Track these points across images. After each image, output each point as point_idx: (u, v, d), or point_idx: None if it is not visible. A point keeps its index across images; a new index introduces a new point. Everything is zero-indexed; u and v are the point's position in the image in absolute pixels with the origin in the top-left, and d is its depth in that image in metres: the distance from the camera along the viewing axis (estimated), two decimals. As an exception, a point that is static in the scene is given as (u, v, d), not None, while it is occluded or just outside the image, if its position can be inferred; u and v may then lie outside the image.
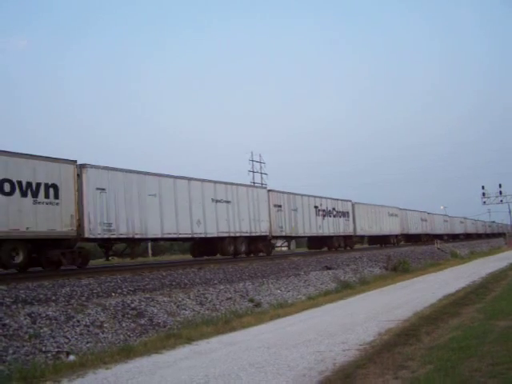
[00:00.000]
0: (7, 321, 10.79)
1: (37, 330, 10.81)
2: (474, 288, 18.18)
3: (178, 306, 14.82)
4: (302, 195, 34.27)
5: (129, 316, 13.13)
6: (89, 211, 18.18)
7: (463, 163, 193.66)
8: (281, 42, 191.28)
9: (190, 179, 24.42)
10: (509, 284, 18.82)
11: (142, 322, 13.13)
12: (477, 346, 8.43)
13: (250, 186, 29.12)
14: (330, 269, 25.61)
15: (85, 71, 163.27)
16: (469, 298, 15.45)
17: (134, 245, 21.74)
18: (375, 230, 45.83)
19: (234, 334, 11.71)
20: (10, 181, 16.48)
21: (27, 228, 16.75)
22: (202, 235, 24.74)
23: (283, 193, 31.96)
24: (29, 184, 16.98)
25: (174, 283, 16.91)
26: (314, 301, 17.48)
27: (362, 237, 45.64)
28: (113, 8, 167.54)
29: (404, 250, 40.90)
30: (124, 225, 19.83)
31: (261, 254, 29.72)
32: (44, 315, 11.53)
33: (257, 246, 29.12)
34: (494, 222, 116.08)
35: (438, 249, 47.64)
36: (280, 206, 30.93)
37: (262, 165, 69.11)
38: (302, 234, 34.44)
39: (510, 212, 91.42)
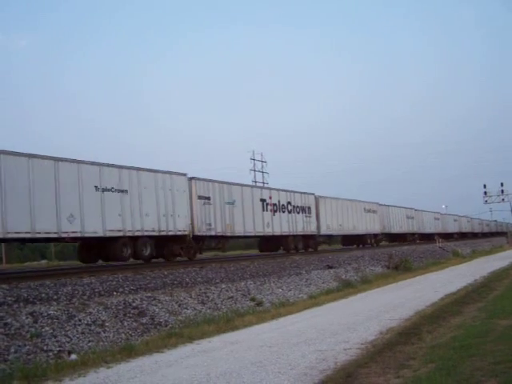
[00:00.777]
0: (9, 320, 10.80)
1: (38, 329, 10.82)
2: (475, 287, 18.15)
3: (179, 305, 14.82)
4: (243, 185, 28.71)
5: (130, 315, 13.14)
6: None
7: (465, 162, 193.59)
8: (281, 40, 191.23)
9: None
10: (511, 283, 18.79)
11: (144, 321, 13.14)
12: (478, 345, 8.41)
13: (162, 171, 22.43)
14: (331, 268, 25.61)
15: (88, 71, 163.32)
16: (470, 296, 15.43)
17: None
18: (347, 229, 40.29)
19: (236, 333, 11.71)
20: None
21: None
22: (78, 234, 18.84)
23: (214, 182, 25.87)
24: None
25: (175, 282, 16.92)
26: (315, 300, 17.47)
27: (329, 236, 39.78)
28: (116, 8, 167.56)
29: (405, 249, 40.87)
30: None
31: (179, 258, 24.20)
32: (46, 314, 11.55)
33: (171, 249, 23.38)
34: (495, 220, 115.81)
35: (440, 248, 47.63)
36: (208, 199, 24.90)
37: (264, 163, 69.13)
38: (241, 234, 27.79)
39: (511, 211, 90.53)
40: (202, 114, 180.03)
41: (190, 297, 15.75)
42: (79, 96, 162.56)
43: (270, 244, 32.75)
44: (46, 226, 17.40)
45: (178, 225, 23.05)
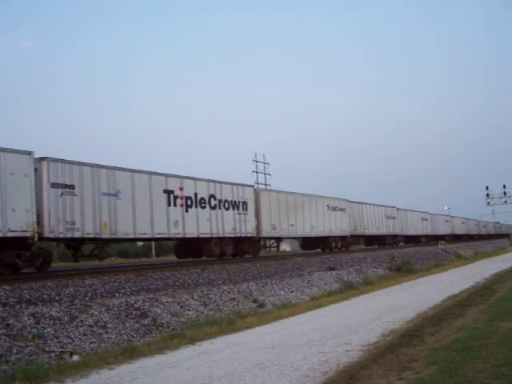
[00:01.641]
0: (11, 321, 10.81)
1: (40, 330, 10.84)
2: (478, 289, 18.13)
3: (181, 307, 14.83)
4: (135, 171, 21.26)
5: (132, 316, 13.14)
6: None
7: (467, 164, 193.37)
8: (285, 42, 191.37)
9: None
10: (513, 285, 18.75)
11: (146, 322, 13.14)
12: (481, 347, 8.39)
13: None
14: (333, 269, 25.59)
15: (84, 71, 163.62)
16: (473, 299, 15.41)
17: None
18: (302, 230, 32.85)
19: (238, 335, 11.70)
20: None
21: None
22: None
23: (82, 165, 18.84)
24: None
25: (177, 284, 16.92)
26: (317, 301, 17.47)
27: (278, 238, 32.96)
28: (111, 8, 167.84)
29: (408, 251, 40.84)
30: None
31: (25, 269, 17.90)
32: (48, 315, 11.56)
33: None
34: (497, 222, 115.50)
35: (442, 249, 47.59)
36: (71, 187, 18.12)
37: (266, 165, 69.10)
38: (130, 235, 20.86)
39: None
40: (204, 115, 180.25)
41: (192, 298, 15.75)
42: (73, 98, 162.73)
43: (188, 248, 25.94)
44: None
45: (13, 223, 16.08)
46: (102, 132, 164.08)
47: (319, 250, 36.50)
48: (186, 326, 13.20)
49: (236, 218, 26.57)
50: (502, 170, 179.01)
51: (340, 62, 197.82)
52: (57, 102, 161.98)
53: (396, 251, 38.50)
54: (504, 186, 72.36)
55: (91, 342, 11.23)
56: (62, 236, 18.04)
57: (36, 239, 16.96)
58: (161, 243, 49.35)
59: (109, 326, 12.23)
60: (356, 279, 24.49)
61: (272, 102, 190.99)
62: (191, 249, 25.89)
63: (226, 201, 26.09)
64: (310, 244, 36.57)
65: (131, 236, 21.19)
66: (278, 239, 33.80)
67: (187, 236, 23.50)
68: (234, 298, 16.97)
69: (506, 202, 72.96)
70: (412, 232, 54.30)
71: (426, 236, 59.64)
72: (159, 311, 13.98)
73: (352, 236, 40.63)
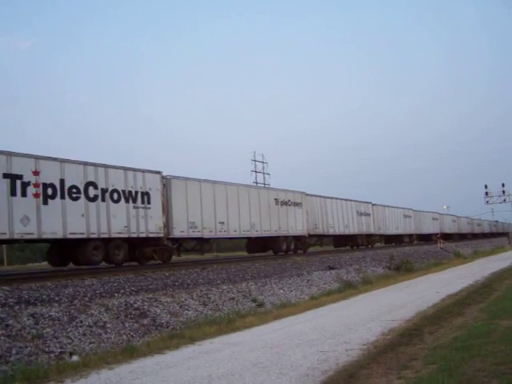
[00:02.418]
0: (10, 321, 10.81)
1: (40, 331, 10.83)
2: (477, 288, 18.13)
3: (181, 307, 14.83)
4: None
5: (132, 316, 13.14)
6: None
7: (466, 162, 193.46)
8: (283, 41, 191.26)
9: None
10: (512, 283, 18.77)
11: (145, 322, 13.14)
12: (480, 346, 8.40)
13: None
14: (332, 269, 25.59)
15: (83, 71, 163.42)
16: (472, 297, 15.42)
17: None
18: (237, 229, 26.87)
19: (237, 334, 11.70)
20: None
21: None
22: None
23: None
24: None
25: (176, 283, 16.92)
26: (317, 301, 17.46)
27: (199, 240, 25.50)
28: (111, 8, 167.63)
29: (407, 250, 40.88)
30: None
31: None
32: (47, 316, 11.55)
33: None
34: (497, 221, 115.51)
35: (441, 248, 47.60)
36: None
37: (265, 165, 69.03)
38: None
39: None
40: (204, 115, 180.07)
41: (192, 298, 15.75)
42: (72, 98, 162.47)
43: (63, 253, 20.21)
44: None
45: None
46: (102, 131, 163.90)
47: (270, 252, 31.69)
48: (185, 326, 13.19)
49: (131, 214, 20.96)
50: (501, 169, 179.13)
51: (338, 62, 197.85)
52: (57, 102, 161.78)
53: (395, 250, 38.49)
54: (503, 185, 72.55)
55: (91, 342, 11.22)
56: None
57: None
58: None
59: (108, 326, 12.22)
60: (355, 278, 24.48)
61: (271, 101, 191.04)
62: (65, 253, 20.22)
63: (114, 190, 20.38)
64: (254, 246, 31.32)
65: None
66: (202, 240, 25.92)
67: (45, 237, 17.94)
68: (233, 298, 16.97)
69: (504, 200, 73.06)
70: (392, 231, 48.98)
71: (410, 235, 54.49)
72: (158, 311, 13.98)
73: (311, 236, 35.38)
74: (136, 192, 21.42)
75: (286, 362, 8.49)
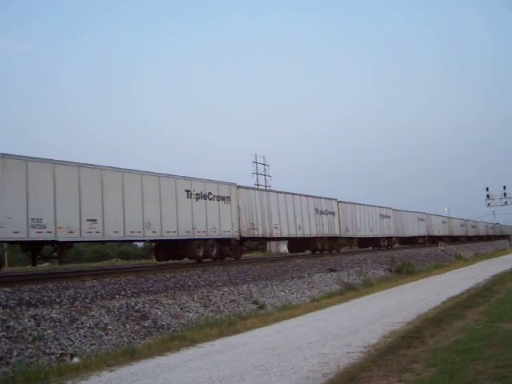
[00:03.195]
0: (11, 323, 10.81)
1: (41, 333, 10.83)
2: (478, 290, 18.12)
3: (181, 309, 14.82)
4: None
5: (133, 318, 13.14)
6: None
7: (467, 165, 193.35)
8: (285, 44, 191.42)
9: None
10: (513, 286, 18.74)
11: (146, 324, 13.14)
12: (481, 349, 8.39)
13: None
14: (333, 271, 25.58)
15: (83, 72, 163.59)
16: (473, 300, 15.40)
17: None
18: (119, 230, 19.88)
19: (238, 337, 11.70)
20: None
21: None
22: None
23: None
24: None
25: (178, 285, 16.92)
26: (317, 303, 17.46)
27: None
28: (109, 7, 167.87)
29: (408, 252, 40.82)
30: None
31: None
32: (48, 317, 11.55)
33: None
34: (497, 223, 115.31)
35: (442, 251, 47.54)
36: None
37: (266, 167, 68.98)
38: None
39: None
40: (205, 117, 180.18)
41: (193, 300, 15.74)
42: (72, 99, 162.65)
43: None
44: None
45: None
46: (101, 133, 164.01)
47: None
48: (186, 328, 13.20)
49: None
50: (503, 171, 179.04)
51: (340, 65, 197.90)
52: (56, 103, 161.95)
53: (396, 252, 38.46)
54: (504, 187, 72.41)
55: (91, 344, 11.22)
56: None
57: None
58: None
59: (109, 327, 12.22)
60: (356, 281, 24.47)
61: (272, 103, 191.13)
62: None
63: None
64: (167, 251, 25.01)
65: None
66: (65, 244, 18.94)
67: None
68: (234, 300, 16.97)
69: (506, 203, 72.96)
70: (365, 233, 42.68)
71: (389, 238, 48.33)
72: (159, 313, 13.97)
73: (238, 238, 27.24)
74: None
75: (286, 364, 8.48)
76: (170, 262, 25.59)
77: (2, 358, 9.54)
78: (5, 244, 26.07)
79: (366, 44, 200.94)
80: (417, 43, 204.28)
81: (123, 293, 14.76)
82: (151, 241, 24.39)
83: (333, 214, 37.35)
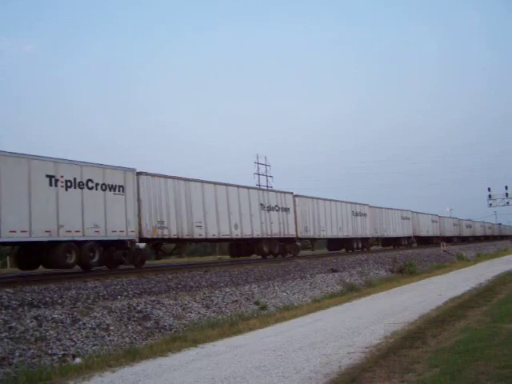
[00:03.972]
0: (13, 324, 10.83)
1: (43, 333, 10.85)
2: (480, 291, 18.09)
3: (183, 309, 14.83)
4: None
5: (135, 319, 13.15)
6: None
7: (469, 165, 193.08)
8: (286, 45, 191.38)
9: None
10: (515, 286, 18.72)
11: (148, 324, 13.14)
12: (483, 349, 8.39)
13: None
14: (335, 271, 25.58)
15: (87, 72, 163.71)
16: (475, 300, 15.38)
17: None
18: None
19: (240, 337, 11.70)
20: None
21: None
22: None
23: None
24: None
25: (179, 286, 16.93)
26: (319, 303, 17.45)
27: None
28: (114, 9, 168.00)
29: (410, 253, 40.77)
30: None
31: None
32: (50, 318, 11.57)
33: None
34: (500, 224, 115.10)
35: (444, 251, 47.50)
36: None
37: (268, 167, 68.96)
38: None
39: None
40: (206, 117, 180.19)
41: (195, 301, 15.75)
42: (76, 99, 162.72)
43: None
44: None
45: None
46: (105, 132, 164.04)
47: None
48: (188, 329, 13.20)
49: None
50: (505, 172, 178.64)
51: (340, 65, 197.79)
52: (59, 103, 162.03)
53: (398, 253, 38.43)
54: (506, 188, 72.18)
55: (94, 345, 11.23)
56: None
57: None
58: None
59: (111, 328, 12.24)
60: (358, 281, 24.45)
61: (274, 104, 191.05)
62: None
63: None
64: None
65: None
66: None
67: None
68: (236, 301, 16.97)
69: (508, 203, 72.79)
70: (331, 233, 37.65)
71: (364, 239, 43.45)
72: (161, 314, 13.98)
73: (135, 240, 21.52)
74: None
75: (288, 364, 8.48)
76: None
77: (4, 359, 9.55)
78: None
79: (362, 45, 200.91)
80: (413, 40, 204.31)
81: (125, 293, 14.78)
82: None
83: (286, 210, 32.01)
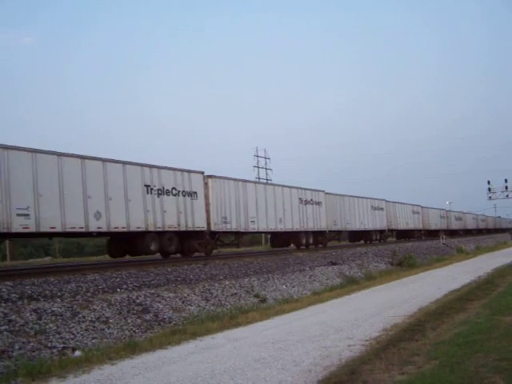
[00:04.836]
0: (13, 317, 10.83)
1: (42, 326, 10.86)
2: (479, 283, 18.12)
3: (183, 302, 14.84)
4: None
5: (134, 312, 13.16)
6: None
7: (469, 158, 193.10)
8: (285, 37, 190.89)
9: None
10: (515, 279, 18.74)
11: (148, 317, 13.16)
12: (482, 342, 8.40)
13: None
14: (335, 264, 25.62)
15: (87, 66, 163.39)
16: (474, 293, 15.40)
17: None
18: None
19: (240, 330, 11.71)
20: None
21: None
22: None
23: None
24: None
25: (179, 279, 16.94)
26: (319, 296, 17.47)
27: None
28: (115, 5, 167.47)
29: (409, 245, 40.84)
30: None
31: None
32: (50, 311, 11.58)
33: None
34: (499, 216, 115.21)
35: (444, 244, 47.57)
36: None
37: (267, 160, 68.98)
38: None
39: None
40: (206, 110, 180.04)
41: (194, 293, 15.76)
42: (76, 94, 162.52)
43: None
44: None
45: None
46: (105, 126, 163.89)
47: None
48: (187, 322, 13.21)
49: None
50: (504, 165, 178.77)
51: (339, 58, 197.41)
52: (59, 97, 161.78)
53: (398, 246, 38.48)
54: (506, 181, 72.13)
55: (93, 338, 11.24)
56: None
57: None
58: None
59: (111, 321, 12.25)
60: (358, 274, 24.50)
61: (273, 97, 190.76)
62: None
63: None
64: None
65: None
66: None
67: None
68: (235, 293, 16.99)
69: (507, 196, 72.81)
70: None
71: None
72: (161, 306, 14.00)
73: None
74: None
75: (288, 357, 8.49)
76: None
77: (4, 352, 9.56)
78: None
79: (361, 38, 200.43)
80: (412, 34, 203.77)
81: (125, 286, 14.79)
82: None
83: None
